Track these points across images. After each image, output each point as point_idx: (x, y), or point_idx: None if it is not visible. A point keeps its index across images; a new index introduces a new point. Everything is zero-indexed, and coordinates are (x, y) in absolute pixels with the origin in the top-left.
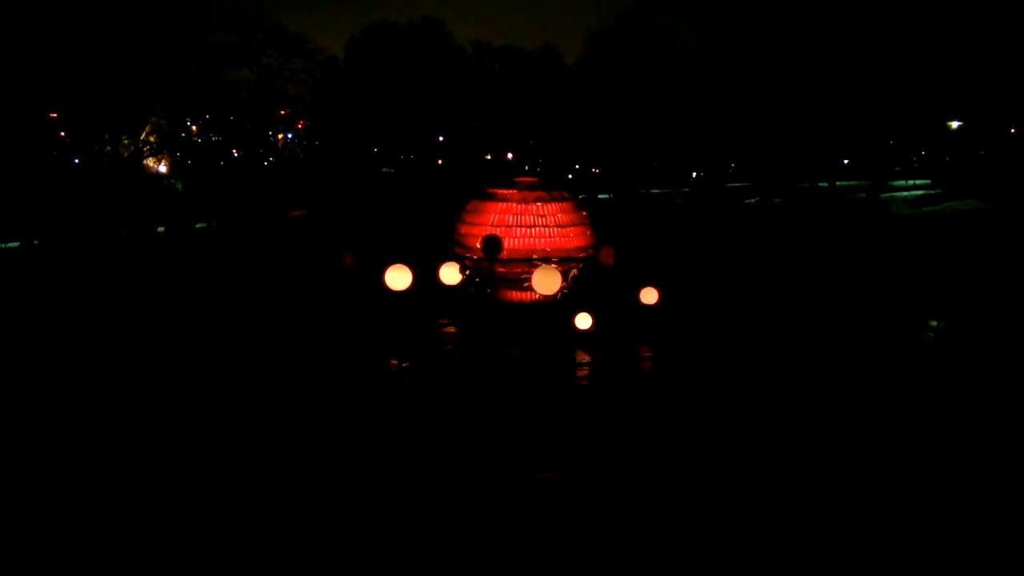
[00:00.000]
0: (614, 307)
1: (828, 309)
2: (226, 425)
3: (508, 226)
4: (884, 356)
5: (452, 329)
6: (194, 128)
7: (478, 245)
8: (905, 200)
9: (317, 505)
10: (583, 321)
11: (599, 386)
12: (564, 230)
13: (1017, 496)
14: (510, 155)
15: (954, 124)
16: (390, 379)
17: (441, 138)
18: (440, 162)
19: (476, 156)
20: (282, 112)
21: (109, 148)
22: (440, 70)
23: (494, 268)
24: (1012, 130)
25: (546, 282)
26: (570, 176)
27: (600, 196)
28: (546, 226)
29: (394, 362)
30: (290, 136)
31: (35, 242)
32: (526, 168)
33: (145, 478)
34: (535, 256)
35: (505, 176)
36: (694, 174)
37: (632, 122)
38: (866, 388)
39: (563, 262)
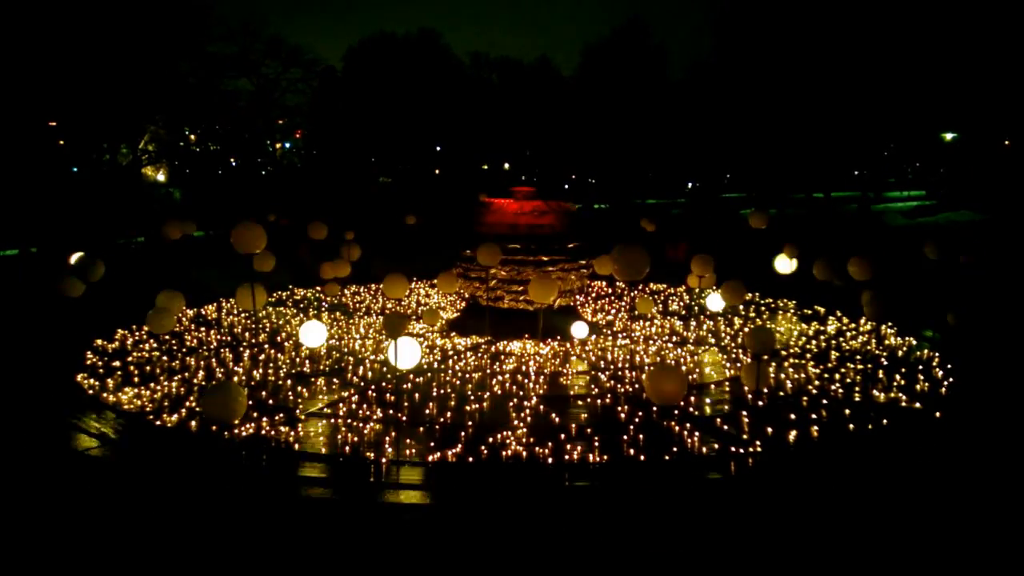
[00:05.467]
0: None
1: None
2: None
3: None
4: None
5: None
6: (192, 137)
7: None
8: (900, 211)
9: None
10: None
11: None
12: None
13: None
14: (507, 165)
15: (948, 136)
16: None
17: (438, 148)
18: (437, 172)
19: (473, 166)
20: (280, 121)
21: (108, 157)
22: (438, 81)
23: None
24: (1006, 142)
25: (542, 291)
26: (567, 186)
27: (596, 206)
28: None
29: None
30: (288, 145)
31: (32, 250)
32: (523, 178)
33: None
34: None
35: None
36: (690, 184)
37: (628, 133)
38: None
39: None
